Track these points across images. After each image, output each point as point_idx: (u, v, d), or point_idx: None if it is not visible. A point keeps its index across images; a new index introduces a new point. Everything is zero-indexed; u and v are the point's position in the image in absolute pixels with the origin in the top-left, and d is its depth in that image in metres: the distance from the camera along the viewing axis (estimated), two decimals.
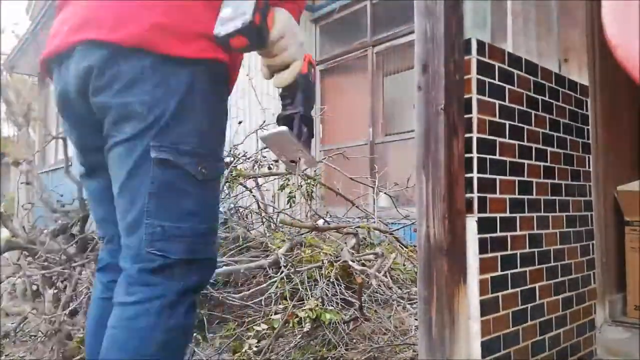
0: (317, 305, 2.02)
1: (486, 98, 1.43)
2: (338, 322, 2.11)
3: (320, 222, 3.26)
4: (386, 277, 2.50)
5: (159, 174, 0.94)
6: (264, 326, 2.04)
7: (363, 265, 2.52)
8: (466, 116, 1.39)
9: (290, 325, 2.08)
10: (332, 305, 2.24)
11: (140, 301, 0.94)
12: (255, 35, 0.92)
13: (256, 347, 2.00)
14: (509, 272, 1.48)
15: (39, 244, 2.52)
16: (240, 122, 3.73)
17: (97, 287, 1.16)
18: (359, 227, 2.99)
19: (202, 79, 0.95)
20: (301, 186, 3.27)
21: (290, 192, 3.24)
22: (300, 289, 2.28)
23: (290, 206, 3.08)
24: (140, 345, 0.93)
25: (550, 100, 1.71)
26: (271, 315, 2.16)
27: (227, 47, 0.93)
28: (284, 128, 0.99)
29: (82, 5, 0.96)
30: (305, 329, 2.03)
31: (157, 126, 0.92)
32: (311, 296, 2.14)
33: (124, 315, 0.95)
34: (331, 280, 2.37)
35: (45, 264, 2.44)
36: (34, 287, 2.60)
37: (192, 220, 0.97)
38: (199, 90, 0.95)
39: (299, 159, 1.04)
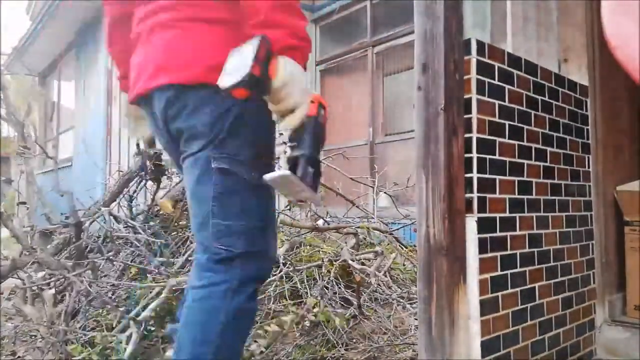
0: (320, 305, 2.01)
1: (486, 98, 1.43)
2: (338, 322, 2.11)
3: (320, 222, 3.26)
4: (386, 276, 2.50)
5: (220, 181, 1.14)
6: (275, 327, 2.04)
7: (362, 264, 2.52)
8: (466, 116, 1.39)
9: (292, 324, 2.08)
10: (332, 304, 2.24)
11: (208, 285, 1.13)
12: (255, 86, 0.99)
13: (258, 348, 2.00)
14: (508, 272, 1.48)
15: (39, 250, 2.52)
16: None
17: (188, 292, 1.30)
18: (359, 227, 2.99)
19: (252, 103, 1.08)
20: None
21: None
22: (300, 287, 2.28)
23: (290, 208, 3.08)
24: (207, 321, 1.11)
25: (550, 101, 1.71)
26: (271, 314, 2.16)
27: (230, 97, 1.02)
28: (286, 172, 1.04)
29: (151, 52, 1.18)
30: (305, 328, 2.04)
31: (216, 141, 1.12)
32: (310, 295, 2.14)
33: (195, 297, 1.14)
34: (330, 279, 2.37)
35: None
36: (34, 289, 2.60)
37: (250, 218, 1.16)
38: (247, 110, 1.12)
39: (302, 199, 1.11)
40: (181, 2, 1.16)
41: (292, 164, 1.06)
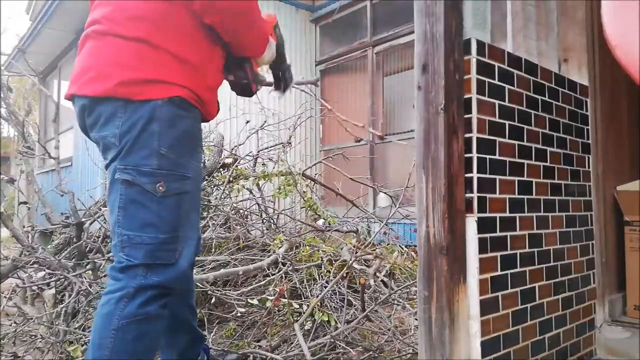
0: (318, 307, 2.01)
1: (486, 98, 1.43)
2: (338, 322, 2.11)
3: (320, 222, 3.26)
4: (387, 277, 2.50)
5: (124, 192, 1.19)
6: (256, 302, 2.07)
7: (367, 266, 2.51)
8: (466, 116, 1.39)
9: (291, 321, 2.08)
10: (332, 304, 2.24)
11: (108, 292, 1.20)
12: (253, 91, 1.51)
13: (258, 346, 2.00)
14: (508, 271, 1.48)
15: (39, 250, 2.52)
16: (247, 122, 3.74)
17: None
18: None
19: (159, 113, 1.18)
20: (305, 192, 3.27)
21: (281, 190, 3.23)
22: (300, 287, 2.28)
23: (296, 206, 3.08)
24: (102, 327, 1.16)
25: (550, 100, 1.71)
26: (272, 313, 2.16)
27: (186, 102, 1.25)
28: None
29: (79, 60, 1.26)
30: (306, 327, 2.04)
31: (122, 152, 1.18)
32: (310, 295, 2.14)
33: (100, 303, 1.21)
34: (330, 279, 2.37)
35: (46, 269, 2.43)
36: (34, 289, 2.60)
37: (151, 231, 1.18)
38: (156, 121, 1.18)
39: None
40: (107, 16, 1.22)
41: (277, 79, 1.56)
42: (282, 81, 1.55)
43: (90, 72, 1.20)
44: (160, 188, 1.18)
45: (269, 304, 2.12)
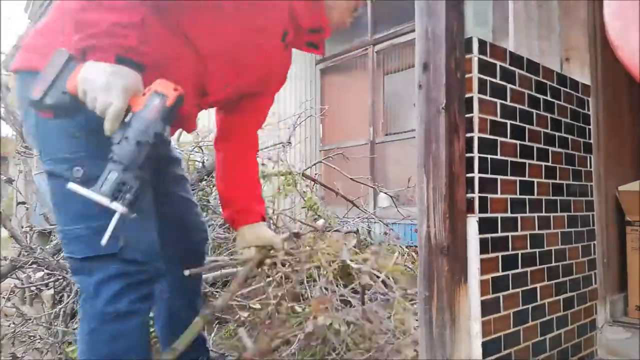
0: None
1: (487, 97, 1.42)
2: (340, 324, 2.10)
3: (320, 222, 3.25)
4: (388, 277, 2.49)
5: (51, 185, 1.07)
6: (258, 306, 2.05)
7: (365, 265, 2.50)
8: (467, 115, 1.38)
9: (292, 324, 2.07)
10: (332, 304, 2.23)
11: (79, 296, 1.13)
12: (43, 107, 0.96)
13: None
14: (510, 272, 1.47)
15: (39, 250, 2.51)
16: None
17: None
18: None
19: None
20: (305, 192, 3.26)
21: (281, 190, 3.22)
22: (299, 287, 2.27)
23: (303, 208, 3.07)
24: (79, 331, 1.10)
25: (552, 100, 1.70)
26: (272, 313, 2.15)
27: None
28: (68, 185, 0.96)
29: None
30: (307, 329, 2.02)
31: (36, 141, 1.04)
32: (311, 295, 2.13)
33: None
34: (329, 279, 2.35)
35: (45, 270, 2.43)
36: (33, 289, 2.59)
37: (85, 221, 1.04)
38: None
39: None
40: None
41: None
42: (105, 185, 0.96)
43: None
44: (78, 173, 0.97)
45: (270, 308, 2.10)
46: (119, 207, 0.95)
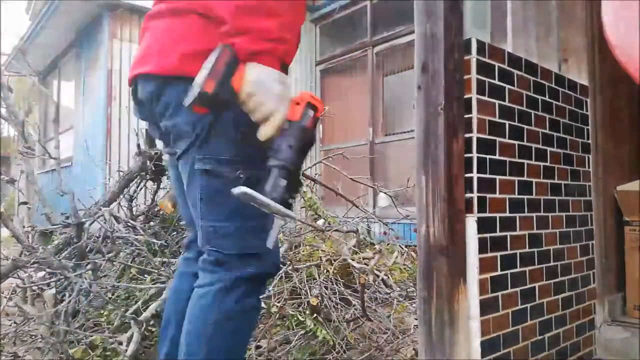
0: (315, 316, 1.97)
1: (486, 98, 1.43)
2: (340, 322, 2.12)
3: (320, 222, 3.26)
4: (388, 276, 2.50)
5: (205, 182, 1.09)
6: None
7: (365, 264, 2.51)
8: (466, 116, 1.39)
9: (292, 323, 2.08)
10: (331, 302, 2.24)
11: (204, 285, 1.13)
12: (211, 102, 0.95)
13: (257, 346, 2.00)
14: (508, 271, 1.48)
15: (40, 250, 2.52)
16: None
17: (179, 262, 1.38)
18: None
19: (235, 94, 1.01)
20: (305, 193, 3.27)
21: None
22: (299, 287, 2.28)
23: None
24: (202, 318, 1.11)
25: (550, 100, 1.71)
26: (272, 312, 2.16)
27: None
28: (242, 188, 0.96)
29: (144, 42, 1.19)
30: (307, 328, 2.03)
31: (198, 141, 1.08)
32: (310, 294, 2.14)
33: (195, 295, 1.14)
34: (329, 277, 2.36)
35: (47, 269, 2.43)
36: (34, 289, 2.60)
37: (240, 219, 1.09)
38: (234, 107, 1.01)
39: (273, 213, 0.99)
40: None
41: (268, 174, 1.00)
42: (271, 182, 1.01)
43: (152, 50, 1.13)
44: (241, 175, 1.07)
45: (274, 309, 2.10)
46: (291, 214, 0.99)
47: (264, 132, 1.01)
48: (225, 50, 0.95)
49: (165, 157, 1.37)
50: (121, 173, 3.21)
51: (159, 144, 1.31)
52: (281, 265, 2.37)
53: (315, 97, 1.05)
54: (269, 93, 0.99)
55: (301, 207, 3.49)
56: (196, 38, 1.06)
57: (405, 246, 3.12)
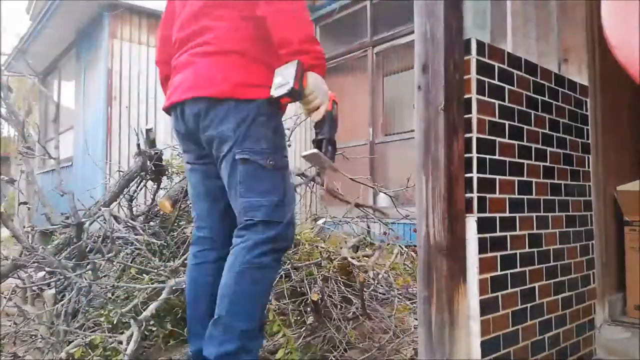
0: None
1: (486, 98, 1.43)
2: (340, 321, 2.12)
3: (321, 221, 3.26)
4: (388, 274, 2.50)
5: (243, 168, 1.50)
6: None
7: (363, 263, 2.51)
8: (466, 116, 1.39)
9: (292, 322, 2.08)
10: (331, 301, 2.24)
11: (236, 245, 1.51)
12: (295, 95, 1.41)
13: None
14: (508, 271, 1.48)
15: (40, 249, 2.52)
16: None
17: (190, 256, 1.72)
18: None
19: (262, 109, 1.51)
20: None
21: None
22: (300, 286, 2.28)
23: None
24: (228, 271, 1.49)
25: (550, 101, 1.71)
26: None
27: (278, 102, 1.52)
28: (314, 150, 1.50)
29: (188, 74, 1.56)
30: (308, 322, 2.03)
31: (238, 141, 1.49)
32: (310, 293, 2.13)
33: (228, 257, 1.52)
34: (329, 276, 2.36)
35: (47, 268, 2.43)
36: (34, 289, 2.60)
37: (268, 195, 1.50)
38: (261, 115, 1.50)
39: (325, 167, 1.67)
40: (213, 38, 1.53)
41: (318, 144, 1.52)
42: (323, 147, 1.51)
43: (205, 81, 1.51)
44: (271, 162, 1.50)
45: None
46: (336, 168, 1.65)
47: (315, 117, 1.50)
48: (300, 63, 1.40)
49: (187, 166, 1.75)
50: (121, 173, 3.21)
51: (185, 155, 1.76)
52: (281, 265, 2.37)
53: (334, 95, 1.54)
54: (321, 92, 1.47)
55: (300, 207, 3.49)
56: (241, 73, 1.51)
57: (405, 246, 3.11)
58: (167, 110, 1.65)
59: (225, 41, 1.53)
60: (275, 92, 1.42)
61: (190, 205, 2.56)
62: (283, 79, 1.41)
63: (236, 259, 1.48)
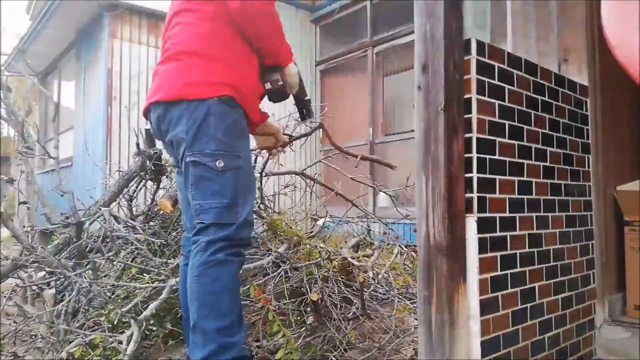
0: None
1: (486, 98, 1.43)
2: (340, 321, 2.12)
3: (321, 221, 3.26)
4: (388, 274, 2.50)
5: (194, 171, 1.51)
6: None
7: (363, 263, 2.51)
8: (466, 116, 1.39)
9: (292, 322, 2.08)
10: (331, 301, 2.24)
11: (193, 250, 1.51)
12: (282, 89, 1.72)
13: (257, 346, 2.00)
14: (508, 271, 1.48)
15: (40, 249, 2.52)
16: None
17: (182, 258, 1.77)
18: None
19: (214, 108, 1.50)
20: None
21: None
22: (300, 286, 2.28)
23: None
24: (190, 276, 1.51)
25: (550, 101, 1.71)
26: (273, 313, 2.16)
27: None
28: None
29: (157, 79, 1.61)
30: (308, 322, 2.03)
31: (189, 142, 1.50)
32: (312, 291, 2.13)
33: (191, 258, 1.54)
34: (329, 276, 2.36)
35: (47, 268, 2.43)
36: (34, 288, 2.60)
37: (217, 197, 1.50)
38: (213, 115, 1.50)
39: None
40: (175, 42, 1.58)
41: (307, 104, 1.88)
42: (304, 112, 1.88)
43: (163, 84, 1.56)
44: (220, 164, 1.49)
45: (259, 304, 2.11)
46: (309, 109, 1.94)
47: (291, 91, 1.76)
48: (281, 67, 1.69)
49: (175, 169, 1.82)
50: (121, 173, 3.21)
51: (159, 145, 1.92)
52: (281, 264, 2.37)
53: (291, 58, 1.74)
54: (296, 74, 1.74)
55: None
56: (194, 72, 1.53)
57: (405, 246, 3.11)
58: (144, 114, 1.70)
59: (183, 44, 1.57)
60: (271, 99, 1.72)
61: None
62: (269, 77, 1.67)
63: (194, 263, 1.49)
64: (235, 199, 1.52)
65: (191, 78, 1.52)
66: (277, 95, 1.73)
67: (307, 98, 1.88)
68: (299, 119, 1.96)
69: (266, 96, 1.74)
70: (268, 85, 1.69)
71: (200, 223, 1.50)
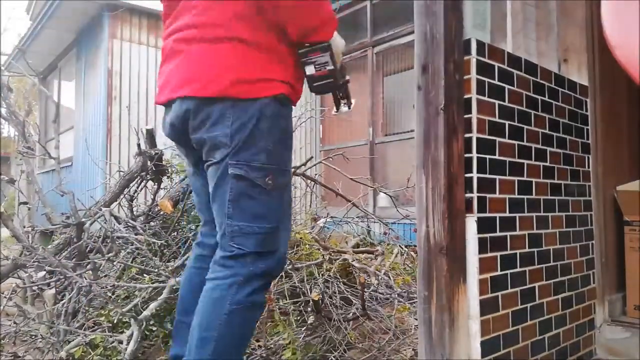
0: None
1: (486, 98, 1.43)
2: (340, 321, 2.12)
3: (321, 221, 3.26)
4: (387, 276, 2.50)
5: (236, 186, 1.25)
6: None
7: (364, 264, 2.51)
8: (466, 116, 1.40)
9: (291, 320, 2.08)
10: (331, 301, 2.24)
11: (218, 278, 1.27)
12: (338, 77, 1.43)
13: (258, 346, 2.00)
14: (508, 271, 1.48)
15: (40, 249, 2.52)
16: None
17: (191, 258, 1.54)
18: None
19: (267, 111, 1.25)
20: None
21: None
22: (300, 286, 2.28)
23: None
24: (213, 310, 1.24)
25: (550, 101, 1.71)
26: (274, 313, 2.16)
27: (290, 99, 1.33)
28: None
29: (179, 65, 1.29)
30: (309, 321, 2.03)
31: (235, 150, 1.24)
32: (311, 293, 2.14)
33: (207, 287, 1.29)
34: (330, 276, 2.36)
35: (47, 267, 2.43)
36: (34, 289, 2.60)
37: (262, 221, 1.27)
38: (266, 118, 1.25)
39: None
40: (207, 21, 1.26)
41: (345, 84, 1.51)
42: (345, 96, 1.53)
43: (196, 75, 1.26)
44: (269, 181, 1.26)
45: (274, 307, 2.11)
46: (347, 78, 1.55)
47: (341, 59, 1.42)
48: (329, 46, 1.33)
49: (188, 170, 1.55)
50: (121, 173, 3.21)
51: (185, 159, 1.55)
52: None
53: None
54: (339, 43, 1.39)
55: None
56: (241, 66, 1.24)
57: (405, 246, 3.11)
58: (162, 104, 1.40)
59: (218, 25, 1.25)
60: (315, 89, 1.36)
61: (191, 205, 2.57)
62: (320, 67, 1.31)
63: (224, 297, 1.24)
64: (279, 224, 1.31)
65: (240, 73, 1.24)
66: (321, 85, 1.37)
67: (346, 78, 1.48)
68: (336, 110, 1.56)
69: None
70: (311, 70, 1.31)
71: (238, 249, 1.26)
